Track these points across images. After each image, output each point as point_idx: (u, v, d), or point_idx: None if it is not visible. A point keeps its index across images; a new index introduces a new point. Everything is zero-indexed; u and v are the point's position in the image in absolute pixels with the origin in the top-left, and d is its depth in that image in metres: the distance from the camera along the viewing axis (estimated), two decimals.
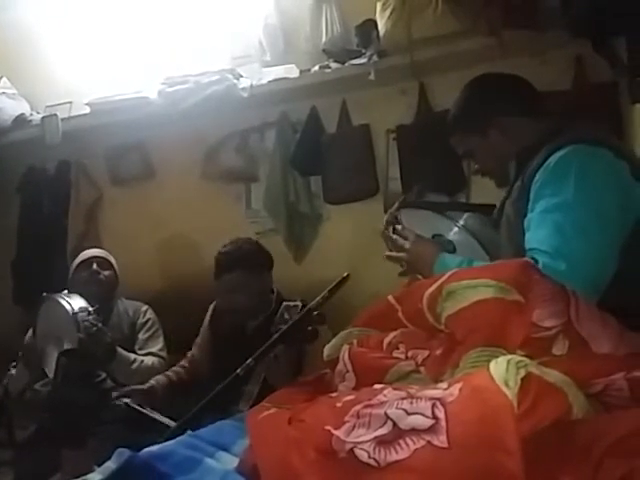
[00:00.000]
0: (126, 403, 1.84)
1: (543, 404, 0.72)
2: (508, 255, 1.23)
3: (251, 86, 2.40)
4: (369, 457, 0.72)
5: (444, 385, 0.80)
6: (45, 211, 2.89)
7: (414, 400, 0.76)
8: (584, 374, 0.79)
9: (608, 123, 1.89)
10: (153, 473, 0.85)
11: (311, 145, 2.44)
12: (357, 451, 0.73)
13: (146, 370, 2.12)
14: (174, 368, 2.16)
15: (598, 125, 1.48)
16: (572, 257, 1.09)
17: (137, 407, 1.80)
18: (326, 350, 1.13)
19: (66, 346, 1.96)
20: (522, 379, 0.74)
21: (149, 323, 2.28)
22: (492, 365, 0.79)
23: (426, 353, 0.98)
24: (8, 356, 2.24)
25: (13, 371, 2.13)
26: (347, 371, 1.03)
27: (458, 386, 0.77)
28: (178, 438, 0.98)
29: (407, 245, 1.36)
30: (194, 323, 2.23)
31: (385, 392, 0.82)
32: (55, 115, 2.67)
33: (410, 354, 0.99)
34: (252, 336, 2.03)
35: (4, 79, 2.82)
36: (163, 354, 2.23)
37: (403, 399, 0.77)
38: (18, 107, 2.80)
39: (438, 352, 0.96)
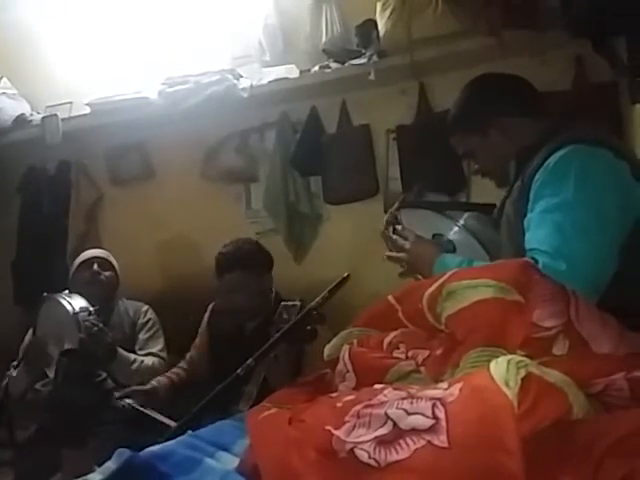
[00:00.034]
0: (130, 404, 1.84)
1: (543, 404, 0.72)
2: (508, 255, 1.23)
3: (251, 86, 2.40)
4: (369, 457, 0.72)
5: (444, 385, 0.80)
6: (45, 211, 2.89)
7: (414, 400, 0.76)
8: (584, 374, 0.79)
9: (608, 123, 1.89)
10: (153, 473, 0.85)
11: (311, 145, 2.44)
12: (357, 451, 0.73)
13: (146, 370, 2.12)
14: (174, 369, 2.16)
15: (598, 125, 1.48)
16: (572, 257, 1.09)
17: (141, 408, 1.80)
18: (326, 350, 1.13)
19: (67, 346, 1.96)
20: (522, 379, 0.74)
21: (149, 323, 2.28)
22: (492, 365, 0.79)
23: (426, 353, 0.98)
24: (8, 356, 2.24)
25: (14, 372, 2.13)
26: (347, 371, 1.03)
27: (458, 386, 0.77)
28: (178, 438, 0.98)
29: (407, 245, 1.37)
30: (194, 323, 2.23)
31: (385, 392, 0.82)
32: (55, 115, 2.68)
33: (410, 354, 0.99)
34: (251, 336, 2.03)
35: (4, 79, 2.82)
36: (163, 354, 2.23)
37: (403, 399, 0.77)
38: (18, 107, 2.81)
39: (438, 352, 0.96)
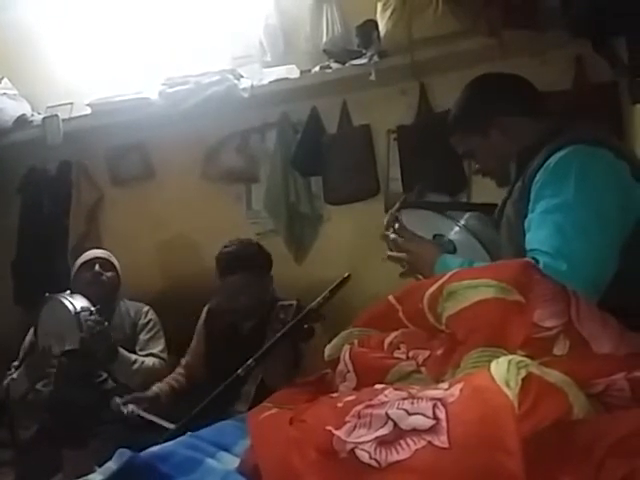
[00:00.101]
0: (133, 411, 1.84)
1: (544, 404, 0.72)
2: (509, 255, 1.23)
3: (252, 86, 2.40)
4: (370, 457, 0.72)
5: (445, 385, 0.80)
6: (46, 211, 2.90)
7: (415, 400, 0.76)
8: (585, 374, 0.79)
9: (608, 123, 1.89)
10: (154, 473, 0.85)
11: (312, 145, 2.44)
12: (358, 451, 0.73)
13: (147, 371, 2.12)
14: (174, 375, 2.16)
15: (598, 125, 1.48)
16: (573, 257, 1.09)
17: (145, 414, 1.80)
18: (327, 350, 1.13)
19: (68, 346, 1.96)
20: (523, 379, 0.74)
21: (150, 324, 2.28)
22: (493, 365, 0.79)
23: (427, 353, 0.98)
24: (8, 356, 2.24)
25: (15, 374, 2.13)
26: (348, 371, 1.03)
27: (459, 386, 0.77)
28: (179, 438, 0.98)
29: (408, 246, 1.37)
30: (194, 323, 2.23)
31: (386, 392, 0.82)
32: (56, 116, 2.68)
33: (411, 354, 0.99)
34: (248, 336, 2.03)
35: (5, 80, 2.82)
36: (164, 355, 2.23)
37: (404, 399, 0.77)
38: (19, 108, 2.81)
39: (439, 352, 0.96)
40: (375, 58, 2.17)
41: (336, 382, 1.05)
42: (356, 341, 1.08)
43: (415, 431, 0.72)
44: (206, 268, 2.19)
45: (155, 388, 2.05)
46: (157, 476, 0.85)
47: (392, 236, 1.41)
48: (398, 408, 0.76)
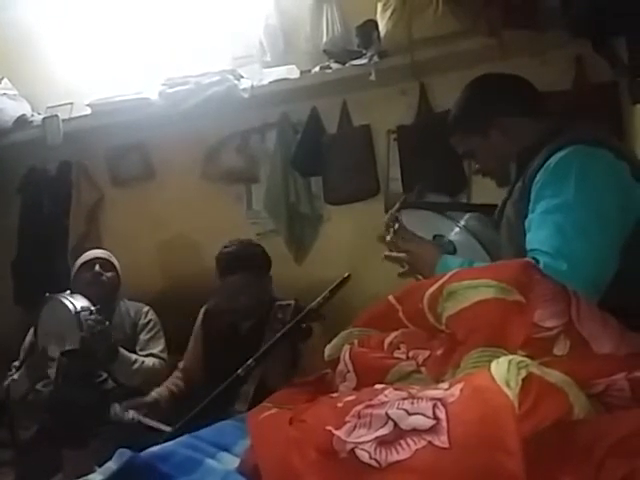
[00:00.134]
0: (134, 417, 1.84)
1: (544, 404, 0.72)
2: (509, 256, 1.23)
3: (252, 87, 2.41)
4: (370, 457, 0.72)
5: (445, 385, 0.80)
6: (46, 212, 2.90)
7: (415, 400, 0.76)
8: (585, 374, 0.79)
9: (608, 123, 1.89)
10: (154, 474, 0.85)
11: (312, 146, 2.44)
12: (358, 451, 0.73)
13: (147, 371, 2.12)
14: (173, 380, 2.15)
15: (598, 125, 1.49)
16: (573, 257, 1.09)
17: (148, 421, 1.79)
18: (327, 350, 1.13)
19: (68, 346, 1.96)
20: (523, 379, 0.74)
21: (150, 324, 2.28)
22: (493, 365, 0.79)
23: (427, 353, 0.98)
24: (9, 356, 2.24)
25: (15, 375, 2.13)
26: (348, 371, 1.03)
27: (459, 386, 0.77)
28: (179, 438, 0.98)
29: (408, 246, 1.36)
30: (194, 324, 2.23)
31: (386, 392, 0.82)
32: (56, 116, 2.68)
33: (411, 354, 0.99)
34: (246, 336, 2.03)
35: (5, 80, 2.82)
36: (164, 355, 2.23)
37: (404, 399, 0.77)
38: (19, 108, 2.81)
39: (439, 352, 0.96)
40: (375, 58, 2.17)
41: (336, 382, 1.05)
42: (356, 341, 1.08)
43: (415, 431, 0.72)
44: (206, 268, 2.19)
45: (154, 393, 2.05)
46: (157, 476, 0.85)
47: (392, 237, 1.41)
48: (398, 408, 0.76)
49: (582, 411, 0.74)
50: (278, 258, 2.23)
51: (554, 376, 0.76)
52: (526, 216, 1.20)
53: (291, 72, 2.40)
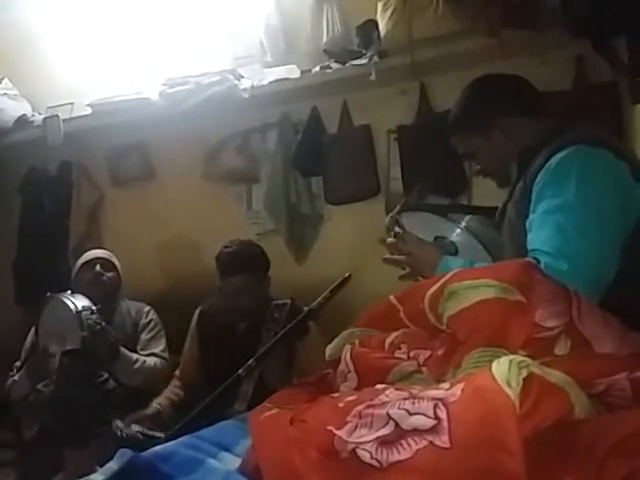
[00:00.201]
0: (138, 431, 1.84)
1: (545, 404, 0.72)
2: (510, 256, 1.23)
3: (252, 87, 2.40)
4: (371, 457, 0.72)
5: (446, 385, 0.80)
6: (46, 212, 2.90)
7: (416, 400, 0.76)
8: (586, 374, 0.79)
9: (609, 123, 1.89)
10: (155, 473, 0.85)
11: (312, 146, 2.44)
12: (359, 451, 0.73)
13: (148, 370, 2.12)
14: (172, 389, 2.14)
15: (599, 125, 1.49)
16: (573, 257, 1.09)
17: (151, 433, 1.79)
18: (328, 350, 1.13)
19: (69, 345, 1.97)
20: (524, 379, 0.74)
21: (151, 324, 2.28)
22: (494, 365, 0.79)
23: (428, 353, 0.98)
24: (10, 356, 2.24)
25: (16, 375, 2.13)
26: (349, 371, 1.03)
27: (460, 386, 0.77)
28: (180, 439, 0.98)
29: (409, 248, 1.36)
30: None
31: (387, 392, 0.82)
32: (56, 116, 2.68)
33: (412, 354, 0.99)
34: (243, 337, 2.03)
35: (6, 80, 2.82)
36: (165, 355, 2.23)
37: (405, 399, 0.77)
38: (20, 108, 2.81)
39: (440, 352, 0.96)
40: (375, 58, 2.17)
41: (337, 382, 1.05)
42: (357, 341, 1.08)
43: (416, 431, 0.72)
44: (207, 268, 2.19)
45: (155, 404, 2.05)
46: (158, 476, 0.85)
47: (393, 239, 1.41)
48: (399, 408, 0.76)
49: (583, 411, 0.74)
50: (278, 258, 2.23)
51: (555, 376, 0.76)
52: (527, 216, 1.20)
53: (291, 72, 2.39)
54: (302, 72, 2.39)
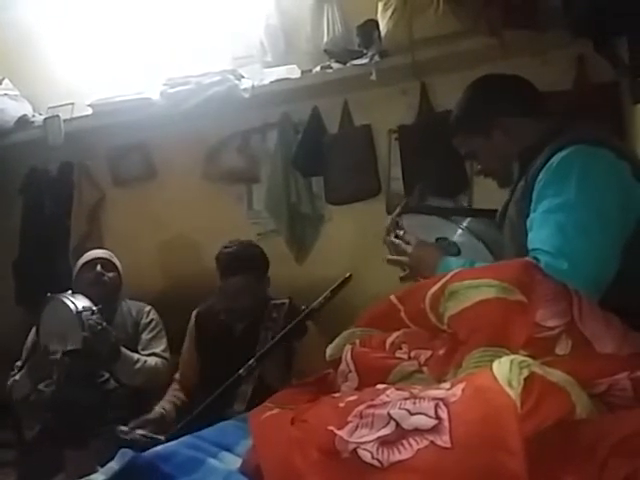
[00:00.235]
0: (143, 435, 1.84)
1: (546, 404, 0.72)
2: (511, 255, 1.23)
3: (252, 87, 2.40)
4: (372, 457, 0.72)
5: (447, 385, 0.80)
6: (47, 212, 2.90)
7: (417, 400, 0.76)
8: (587, 374, 0.79)
9: (610, 123, 1.88)
10: (156, 473, 0.85)
11: (313, 145, 2.44)
12: (360, 451, 0.73)
13: (149, 370, 2.12)
14: (174, 392, 2.14)
15: (600, 125, 1.48)
16: (574, 256, 1.09)
17: (156, 437, 1.79)
18: (329, 350, 1.13)
19: (70, 346, 1.97)
20: (525, 379, 0.74)
21: (152, 324, 2.28)
22: (495, 365, 0.79)
23: (429, 353, 0.98)
24: (11, 356, 2.24)
25: (17, 375, 2.13)
26: (350, 371, 1.03)
27: (461, 386, 0.77)
28: (181, 439, 0.98)
29: (409, 249, 1.36)
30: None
31: (388, 392, 0.82)
32: (57, 116, 2.68)
33: (413, 354, 0.99)
34: (241, 337, 2.03)
35: (6, 80, 2.82)
36: (166, 355, 2.23)
37: (406, 399, 0.77)
38: (20, 108, 2.81)
39: (441, 352, 0.96)
40: (376, 58, 2.17)
41: (338, 382, 1.05)
42: (358, 341, 1.08)
43: (417, 431, 0.72)
44: (207, 268, 2.19)
45: (159, 408, 2.05)
46: (159, 476, 0.85)
47: (393, 240, 1.41)
48: (400, 408, 0.76)
49: (584, 411, 0.74)
50: (279, 258, 2.23)
51: (556, 376, 0.76)
52: (528, 215, 1.20)
53: (292, 72, 2.39)
54: (303, 72, 2.39)
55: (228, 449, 0.95)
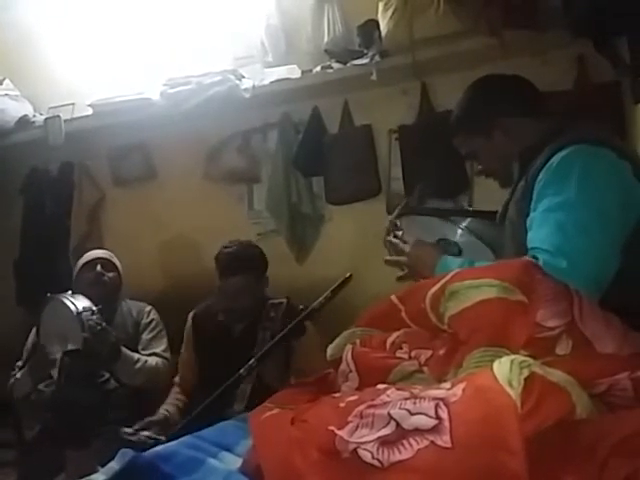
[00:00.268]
0: (148, 436, 1.85)
1: (546, 404, 0.72)
2: (511, 255, 1.23)
3: (253, 87, 2.40)
4: (372, 457, 0.72)
5: (447, 385, 0.80)
6: (48, 212, 2.90)
7: (417, 400, 0.76)
8: (588, 374, 0.79)
9: (610, 123, 1.88)
10: (156, 473, 0.85)
11: (313, 145, 2.44)
12: (360, 451, 0.73)
13: (149, 370, 2.12)
14: (176, 395, 2.14)
15: (600, 125, 1.48)
16: (573, 255, 1.09)
17: (161, 438, 1.79)
18: (329, 350, 1.13)
19: (70, 346, 1.97)
20: (525, 379, 0.74)
21: (153, 323, 2.28)
22: (495, 365, 0.79)
23: (429, 353, 0.98)
24: (11, 356, 2.24)
25: (18, 375, 2.13)
26: (350, 371, 1.03)
27: (461, 386, 0.77)
28: (181, 439, 0.98)
29: (408, 249, 1.36)
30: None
31: (388, 392, 0.82)
32: (58, 116, 2.68)
33: (413, 354, 0.99)
34: (239, 337, 2.04)
35: (7, 81, 2.83)
36: (167, 355, 2.23)
37: (406, 399, 0.77)
38: (21, 108, 2.81)
39: (441, 352, 0.96)
40: (376, 58, 2.17)
41: (338, 382, 1.05)
42: (358, 341, 1.08)
43: (417, 431, 0.72)
44: (208, 268, 2.19)
45: (162, 411, 2.05)
46: (159, 476, 0.85)
47: (392, 240, 1.41)
48: (400, 408, 0.76)
49: (585, 411, 0.74)
50: (279, 258, 2.23)
51: (556, 376, 0.76)
52: (528, 215, 1.20)
53: (292, 72, 2.39)
54: (303, 72, 2.39)
55: (228, 449, 0.96)
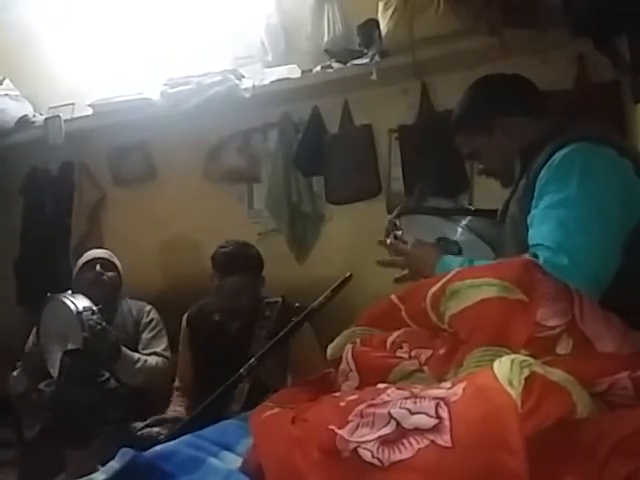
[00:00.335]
0: (158, 432, 1.85)
1: (547, 403, 0.72)
2: (512, 253, 1.23)
3: (253, 86, 2.41)
4: (373, 457, 0.72)
5: (448, 384, 0.80)
6: (48, 212, 2.90)
7: (418, 399, 0.76)
8: (588, 373, 0.79)
9: (611, 122, 1.88)
10: (157, 473, 0.85)
11: (313, 145, 2.44)
12: (361, 451, 0.73)
13: (150, 370, 2.13)
14: (177, 401, 2.13)
15: (600, 124, 1.48)
16: (574, 253, 1.09)
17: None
18: (329, 349, 1.13)
19: (70, 346, 1.97)
20: (526, 378, 0.74)
21: (153, 323, 2.28)
22: (496, 364, 0.79)
23: (430, 352, 0.98)
24: (11, 356, 2.25)
25: (15, 373, 2.14)
26: (350, 370, 1.03)
27: (462, 385, 0.77)
28: (181, 438, 0.98)
29: (407, 249, 1.36)
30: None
31: (389, 391, 0.82)
32: (58, 116, 2.68)
33: (414, 353, 0.99)
34: (235, 336, 2.04)
35: (7, 81, 2.83)
36: (167, 354, 2.23)
37: (407, 398, 0.77)
38: (21, 108, 2.81)
39: (442, 351, 0.96)
40: (376, 57, 2.17)
41: (338, 381, 1.05)
42: (358, 340, 1.08)
43: (418, 430, 0.72)
44: (207, 268, 2.19)
45: (172, 412, 2.05)
46: (160, 475, 0.85)
47: (391, 241, 1.41)
48: (401, 407, 0.76)
49: (585, 410, 0.74)
50: (279, 257, 2.23)
51: (557, 375, 0.76)
52: (529, 212, 1.20)
53: (292, 72, 2.40)
54: (303, 72, 2.39)
55: (229, 448, 0.95)
